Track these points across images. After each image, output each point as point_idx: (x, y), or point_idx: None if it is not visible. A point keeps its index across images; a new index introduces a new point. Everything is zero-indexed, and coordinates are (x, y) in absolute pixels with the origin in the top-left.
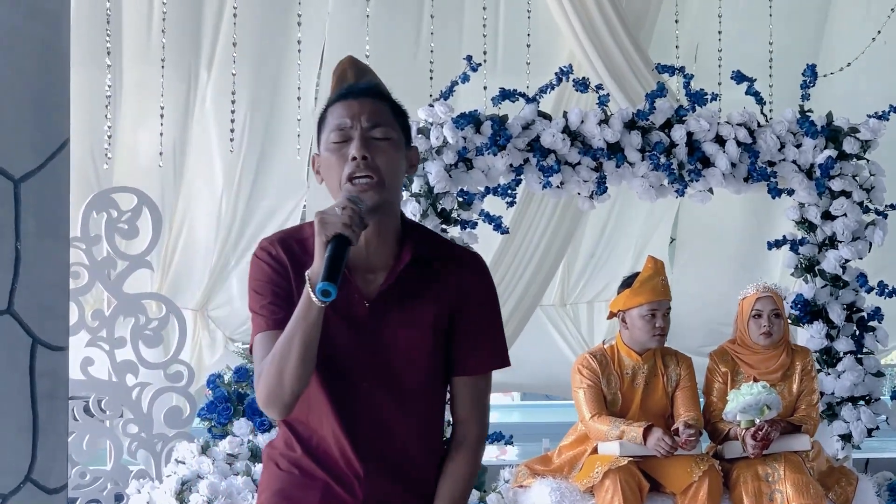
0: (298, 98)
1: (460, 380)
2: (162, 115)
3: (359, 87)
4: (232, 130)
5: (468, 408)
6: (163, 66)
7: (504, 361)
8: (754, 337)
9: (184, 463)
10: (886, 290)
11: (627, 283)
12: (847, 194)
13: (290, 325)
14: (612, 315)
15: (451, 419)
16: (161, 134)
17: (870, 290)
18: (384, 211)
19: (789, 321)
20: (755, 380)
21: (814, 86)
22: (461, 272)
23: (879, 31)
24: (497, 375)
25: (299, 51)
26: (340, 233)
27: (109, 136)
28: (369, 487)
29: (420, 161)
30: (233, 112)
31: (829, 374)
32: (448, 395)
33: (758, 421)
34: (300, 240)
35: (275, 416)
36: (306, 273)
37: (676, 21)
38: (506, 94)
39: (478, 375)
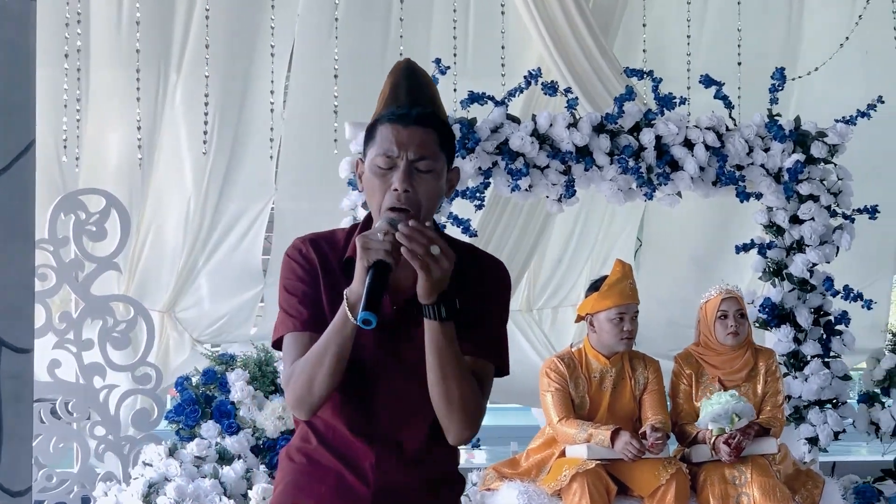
0: (271, 102)
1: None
2: (138, 119)
3: (412, 115)
4: (205, 132)
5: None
6: (137, 70)
7: (501, 361)
8: (721, 338)
9: (151, 465)
10: (851, 295)
11: (595, 286)
12: (815, 198)
13: (324, 338)
14: (579, 319)
15: None
16: (139, 138)
17: (835, 294)
18: None
19: (757, 325)
20: (720, 381)
21: (782, 89)
22: (483, 273)
23: (847, 38)
24: None
25: (272, 55)
26: (382, 259)
27: (78, 138)
28: (382, 476)
29: None
30: (206, 114)
31: (796, 377)
32: None
33: (728, 429)
34: (331, 241)
35: (302, 417)
36: (345, 292)
37: (644, 25)
38: (474, 98)
39: (479, 359)
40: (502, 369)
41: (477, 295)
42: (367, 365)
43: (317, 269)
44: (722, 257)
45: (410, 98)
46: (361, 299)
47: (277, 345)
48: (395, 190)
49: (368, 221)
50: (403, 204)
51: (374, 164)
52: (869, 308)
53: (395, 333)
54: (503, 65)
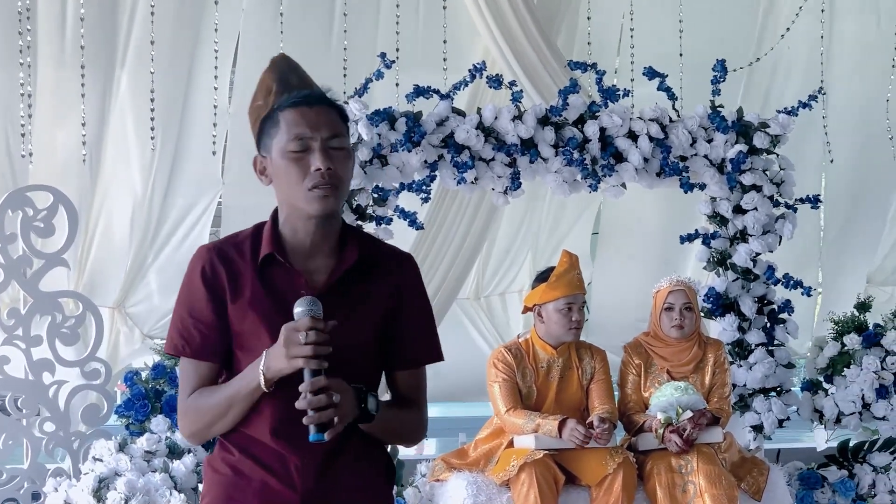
0: (215, 98)
1: (399, 374)
2: (83, 116)
3: (314, 96)
4: (152, 129)
5: (409, 399)
6: (82, 67)
7: (438, 355)
8: (666, 329)
9: (101, 460)
10: (791, 283)
11: (542, 277)
12: (758, 188)
13: (230, 395)
14: (526, 309)
15: None
16: (84, 134)
17: (776, 283)
18: (335, 216)
19: (702, 314)
20: (668, 372)
21: (724, 80)
22: (399, 271)
23: (788, 28)
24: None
25: (216, 51)
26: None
27: (23, 136)
28: (308, 479)
29: None
30: (152, 110)
31: (741, 365)
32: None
33: (675, 421)
34: (236, 245)
35: (195, 445)
36: (260, 368)
37: (588, 18)
38: (420, 91)
39: (415, 369)
40: (438, 356)
41: (404, 299)
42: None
43: (223, 282)
44: (681, 247)
45: (301, 84)
46: (278, 374)
47: (169, 350)
48: (318, 170)
49: (274, 220)
50: (328, 182)
51: (285, 150)
52: (808, 295)
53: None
54: (445, 59)
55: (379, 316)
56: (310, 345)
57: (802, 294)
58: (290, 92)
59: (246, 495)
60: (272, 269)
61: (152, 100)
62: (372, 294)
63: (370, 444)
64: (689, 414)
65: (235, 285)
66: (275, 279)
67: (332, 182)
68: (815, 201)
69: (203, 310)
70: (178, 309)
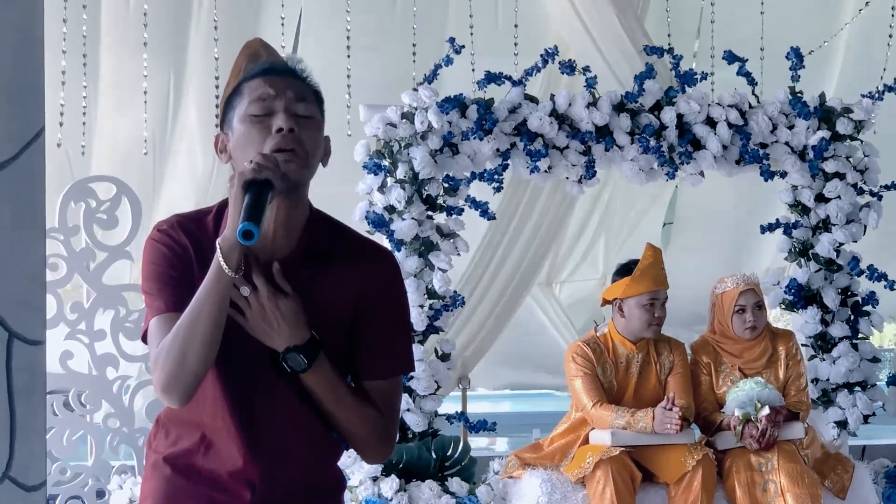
0: None
1: (367, 384)
2: (145, 105)
3: (282, 65)
4: (217, 116)
5: (375, 405)
6: (145, 55)
7: (409, 367)
8: (739, 332)
9: None
10: (876, 274)
11: (625, 270)
12: (841, 176)
13: (195, 301)
14: (605, 302)
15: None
16: (145, 121)
17: (860, 274)
18: (299, 194)
19: (783, 306)
20: (740, 369)
21: (802, 67)
22: (365, 268)
23: (861, 10)
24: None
25: (282, 34)
26: (255, 178)
27: (84, 124)
28: (262, 485)
29: (405, 147)
30: (216, 97)
31: (824, 359)
32: None
33: (753, 416)
34: (198, 220)
35: (175, 403)
36: (217, 241)
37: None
38: (491, 78)
39: (385, 380)
40: (409, 368)
41: (376, 301)
42: (242, 360)
43: (189, 251)
44: (758, 237)
45: (273, 59)
46: (236, 241)
47: (144, 337)
48: (280, 130)
49: None
50: (290, 144)
51: (246, 114)
52: (892, 289)
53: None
54: (516, 44)
55: (334, 311)
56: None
57: (886, 287)
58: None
59: (192, 497)
60: None
61: (217, 87)
62: (324, 288)
63: (330, 457)
64: (766, 411)
65: (200, 256)
66: None
67: (295, 147)
68: None
69: (170, 269)
70: (144, 284)
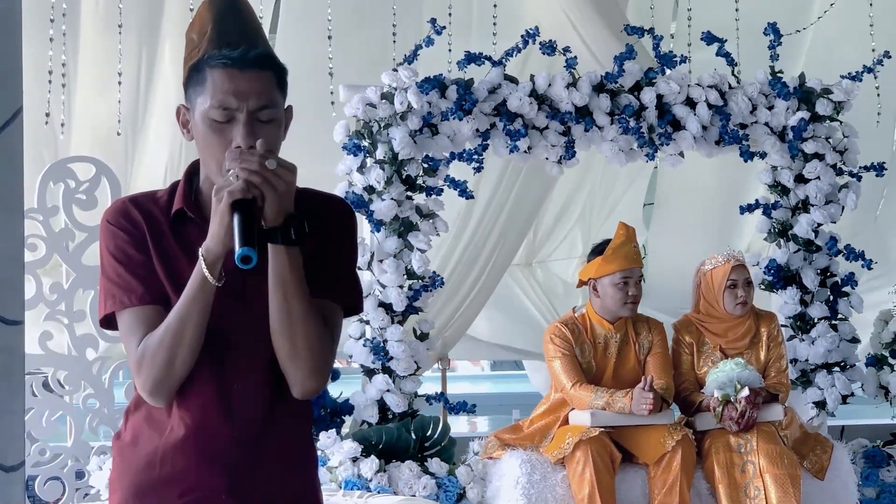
0: None
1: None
2: (119, 83)
3: (248, 58)
4: None
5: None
6: (120, 33)
7: (352, 299)
8: (730, 308)
9: None
10: (853, 254)
11: (598, 250)
12: (820, 157)
13: (181, 308)
14: (581, 283)
15: None
16: (119, 101)
17: (837, 254)
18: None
19: (762, 287)
20: (721, 349)
21: (779, 45)
22: (322, 215)
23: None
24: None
25: (261, 16)
26: (241, 198)
27: (64, 104)
28: (239, 473)
29: (384, 127)
30: None
31: (803, 340)
32: None
33: (732, 397)
34: (153, 198)
35: (161, 404)
36: (200, 251)
37: None
38: (471, 58)
39: (325, 300)
40: (354, 308)
41: (322, 237)
42: (219, 341)
43: (143, 230)
44: (738, 218)
45: (239, 35)
46: (220, 252)
47: (105, 323)
48: (238, 147)
49: (193, 174)
50: None
51: (207, 116)
52: (869, 268)
53: (243, 301)
54: (495, 23)
55: (309, 268)
56: (242, 179)
57: (863, 266)
58: (224, 41)
59: (165, 488)
60: (187, 225)
61: None
62: (305, 225)
63: (296, 432)
64: (746, 392)
65: (155, 235)
66: (190, 236)
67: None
68: (879, 169)
69: (135, 254)
70: (107, 267)
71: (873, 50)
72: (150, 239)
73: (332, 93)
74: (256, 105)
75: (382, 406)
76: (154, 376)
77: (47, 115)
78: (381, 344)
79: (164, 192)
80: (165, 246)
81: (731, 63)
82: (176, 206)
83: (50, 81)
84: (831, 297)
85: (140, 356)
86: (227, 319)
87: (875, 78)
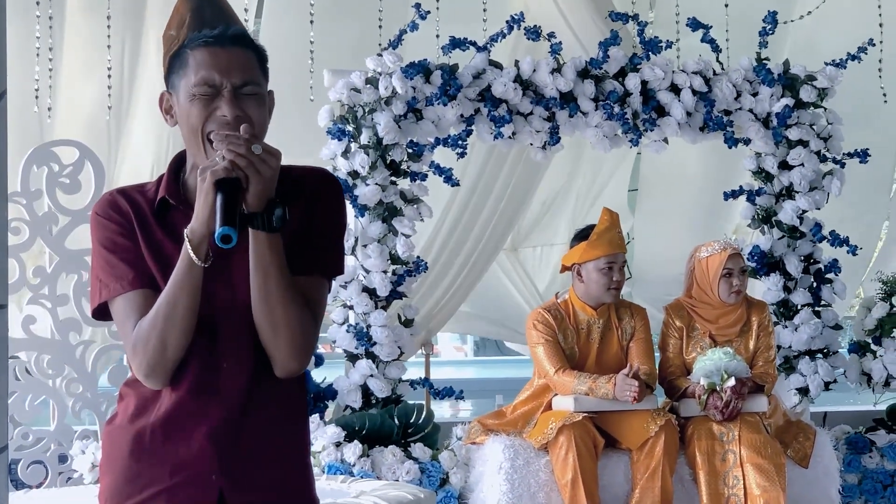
0: None
1: (296, 278)
2: (108, 69)
3: (227, 36)
4: None
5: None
6: (108, 17)
7: (335, 269)
8: (724, 297)
9: None
10: (838, 241)
11: (582, 235)
12: (804, 143)
13: (169, 291)
14: (564, 269)
15: None
16: (109, 87)
17: (822, 240)
18: None
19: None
20: (711, 336)
21: (773, 33)
22: (308, 188)
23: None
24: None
25: (246, 2)
26: (224, 177)
27: (51, 87)
28: (228, 452)
29: (369, 112)
30: None
31: (786, 326)
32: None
33: (718, 386)
34: (141, 190)
35: (158, 386)
36: (185, 232)
37: None
38: (456, 43)
39: (311, 276)
40: (335, 271)
41: (308, 211)
42: (208, 320)
43: (131, 219)
44: (724, 204)
45: (218, 19)
46: (205, 233)
47: (98, 313)
48: (224, 117)
49: (180, 162)
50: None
51: (191, 93)
52: (854, 254)
53: (229, 281)
54: (485, 9)
55: (287, 241)
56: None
57: (848, 252)
58: (203, 27)
59: (155, 470)
60: (172, 214)
61: None
62: (286, 211)
63: (285, 413)
64: (732, 382)
65: (142, 223)
66: (175, 223)
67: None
68: (863, 155)
69: (124, 242)
70: (98, 258)
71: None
72: (138, 227)
73: (311, 78)
74: (240, 80)
75: (366, 391)
76: (148, 360)
77: (37, 95)
78: (365, 329)
79: (153, 184)
80: (151, 233)
81: (716, 49)
82: (160, 194)
83: (38, 55)
84: (815, 284)
85: (134, 341)
86: (216, 302)
87: (881, 50)
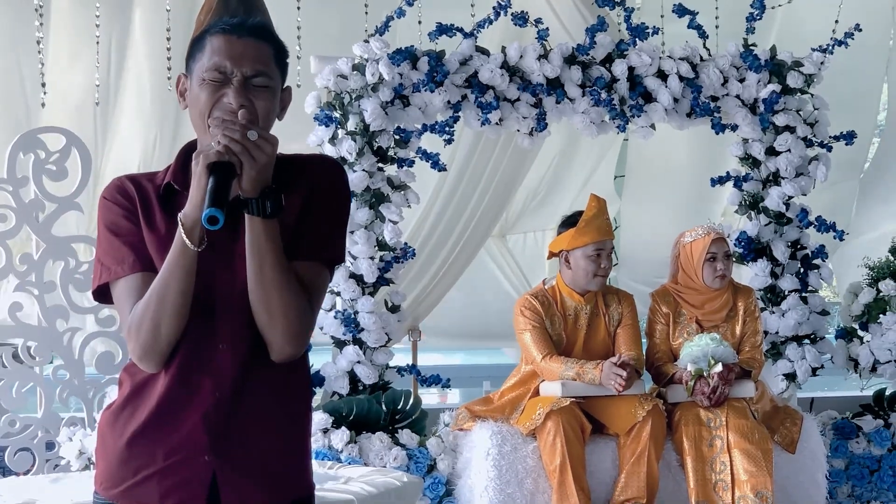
0: None
1: (294, 263)
2: (97, 57)
3: (246, 26)
4: (169, 69)
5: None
6: (97, 6)
7: (336, 255)
8: (709, 281)
9: None
10: (824, 226)
11: (570, 222)
12: (791, 129)
13: (162, 274)
14: (552, 255)
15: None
16: (97, 76)
17: (808, 225)
18: None
19: (733, 259)
20: (698, 321)
21: (760, 18)
22: (312, 174)
23: None
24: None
25: None
26: (217, 161)
27: (43, 75)
28: (221, 433)
29: (356, 98)
30: (168, 49)
31: (773, 312)
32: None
33: (706, 372)
34: (150, 177)
35: (152, 369)
36: (179, 216)
37: None
38: (443, 30)
39: (311, 262)
40: (335, 259)
41: (311, 198)
42: (203, 303)
43: (136, 203)
44: (711, 190)
45: (243, 8)
46: (198, 217)
47: (99, 295)
48: (230, 104)
49: (190, 150)
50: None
51: (202, 77)
52: (841, 239)
53: (229, 266)
54: None
55: (290, 227)
56: (222, 144)
57: (835, 238)
58: (226, 14)
59: (149, 457)
60: (175, 198)
61: (168, 39)
62: (288, 206)
63: (282, 396)
64: (719, 368)
65: (145, 207)
66: (178, 208)
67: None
68: (849, 138)
69: (128, 226)
70: (102, 240)
71: (836, 21)
72: (141, 211)
73: (298, 62)
74: (252, 71)
75: (353, 377)
76: (142, 342)
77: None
78: (352, 315)
79: (163, 171)
80: (154, 217)
81: (703, 35)
82: (166, 179)
83: (26, 44)
84: (802, 270)
85: (130, 323)
86: (215, 285)
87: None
